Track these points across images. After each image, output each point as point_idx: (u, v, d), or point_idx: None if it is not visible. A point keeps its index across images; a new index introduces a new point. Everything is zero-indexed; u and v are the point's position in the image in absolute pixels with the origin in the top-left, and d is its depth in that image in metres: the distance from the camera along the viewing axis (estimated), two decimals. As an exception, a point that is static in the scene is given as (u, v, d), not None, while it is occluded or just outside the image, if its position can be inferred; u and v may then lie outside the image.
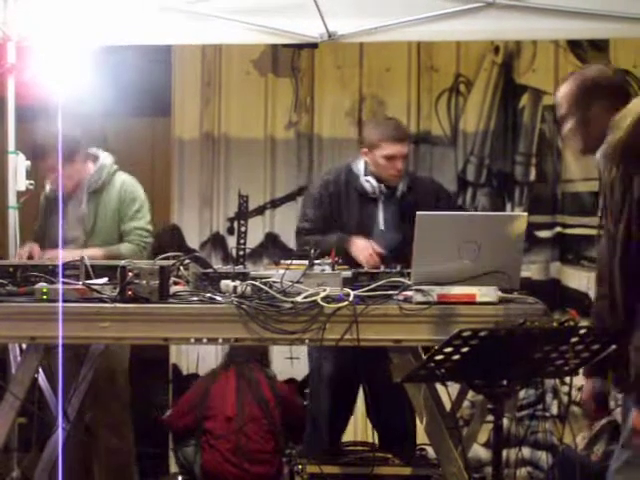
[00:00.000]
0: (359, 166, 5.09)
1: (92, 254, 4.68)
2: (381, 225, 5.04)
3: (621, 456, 3.48)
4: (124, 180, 5.10)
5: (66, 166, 4.92)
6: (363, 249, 4.84)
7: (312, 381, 5.30)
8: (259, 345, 5.36)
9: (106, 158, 5.10)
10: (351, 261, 4.68)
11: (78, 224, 5.02)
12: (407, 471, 4.97)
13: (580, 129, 3.56)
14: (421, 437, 4.79)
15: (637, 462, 3.41)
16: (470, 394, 4.55)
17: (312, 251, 3.99)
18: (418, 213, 3.87)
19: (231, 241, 6.26)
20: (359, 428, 5.90)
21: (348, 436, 5.64)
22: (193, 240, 6.37)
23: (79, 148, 5.00)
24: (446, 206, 4.97)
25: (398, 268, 4.18)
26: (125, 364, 5.13)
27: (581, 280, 6.10)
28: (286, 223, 6.20)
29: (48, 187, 5.11)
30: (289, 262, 4.04)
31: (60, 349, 3.88)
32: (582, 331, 3.33)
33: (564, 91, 3.62)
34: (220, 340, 3.88)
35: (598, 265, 3.62)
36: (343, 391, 5.18)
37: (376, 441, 5.12)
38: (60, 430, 4.59)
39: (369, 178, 5.03)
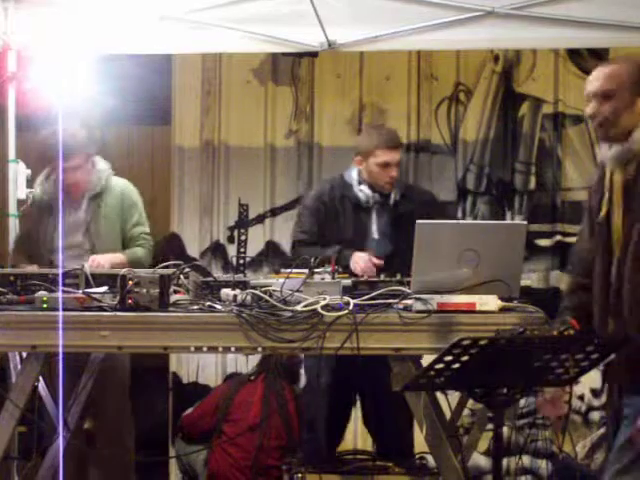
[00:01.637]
0: (352, 175, 5.08)
1: (118, 259, 4.81)
2: (375, 234, 5.03)
3: (622, 457, 3.46)
4: (123, 185, 5.13)
5: (84, 167, 4.97)
6: (360, 259, 4.80)
7: (308, 391, 5.29)
8: (290, 359, 5.44)
9: (103, 163, 5.12)
10: (349, 272, 4.66)
11: (78, 229, 5.02)
12: (407, 480, 4.98)
13: (621, 113, 3.47)
14: (421, 445, 4.79)
15: None
16: (470, 402, 4.55)
17: (312, 260, 4.00)
18: (418, 222, 3.87)
19: (231, 250, 6.26)
20: (358, 437, 5.90)
21: (347, 445, 5.63)
22: (193, 249, 6.37)
23: (95, 150, 5.05)
24: (440, 217, 4.81)
25: (398, 277, 4.18)
26: (126, 376, 5.12)
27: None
28: (286, 231, 6.19)
29: (39, 191, 5.10)
30: (289, 271, 4.05)
31: (60, 358, 3.88)
32: (582, 340, 3.34)
33: (619, 68, 3.49)
34: (220, 349, 3.88)
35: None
36: (340, 401, 5.17)
37: (374, 449, 5.13)
38: (60, 439, 4.59)
39: (363, 187, 5.03)
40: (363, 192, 5.02)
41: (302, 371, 5.71)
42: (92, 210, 5.02)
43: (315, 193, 5.21)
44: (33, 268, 4.86)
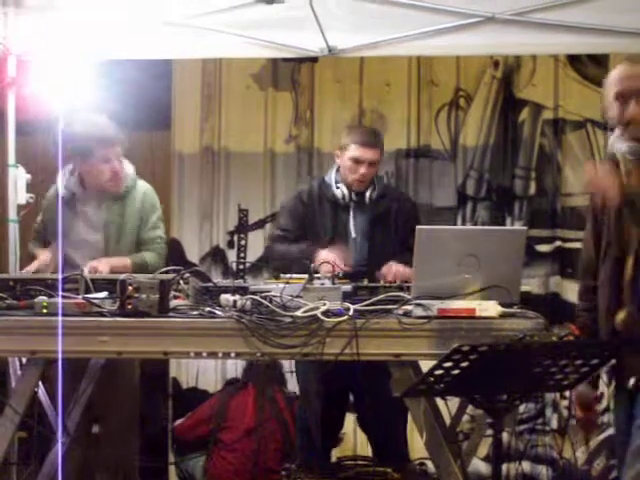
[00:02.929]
0: (332, 175, 5.11)
1: (121, 263, 4.77)
2: (353, 233, 5.04)
3: (636, 462, 3.45)
4: (146, 187, 5.10)
5: (122, 159, 5.00)
6: (325, 259, 4.64)
7: (301, 396, 5.27)
8: (275, 363, 5.43)
9: (128, 165, 5.10)
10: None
11: (97, 228, 5.00)
12: (407, 486, 4.97)
13: None
14: (421, 451, 4.79)
15: None
16: (470, 408, 4.55)
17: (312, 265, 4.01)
18: (418, 227, 3.88)
19: (231, 255, 6.26)
20: (358, 443, 5.89)
21: (347, 450, 5.63)
22: (193, 254, 6.38)
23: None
24: (417, 220, 4.97)
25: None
26: (135, 378, 5.11)
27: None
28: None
29: (62, 187, 5.06)
30: (289, 276, 4.04)
31: (60, 363, 3.87)
32: (581, 345, 3.34)
33: None
34: (220, 354, 3.88)
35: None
36: (332, 405, 5.13)
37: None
38: (59, 444, 4.58)
39: (340, 185, 5.04)
40: (340, 190, 5.03)
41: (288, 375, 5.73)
42: (115, 211, 5.00)
43: (294, 193, 5.24)
44: (32, 267, 4.86)
